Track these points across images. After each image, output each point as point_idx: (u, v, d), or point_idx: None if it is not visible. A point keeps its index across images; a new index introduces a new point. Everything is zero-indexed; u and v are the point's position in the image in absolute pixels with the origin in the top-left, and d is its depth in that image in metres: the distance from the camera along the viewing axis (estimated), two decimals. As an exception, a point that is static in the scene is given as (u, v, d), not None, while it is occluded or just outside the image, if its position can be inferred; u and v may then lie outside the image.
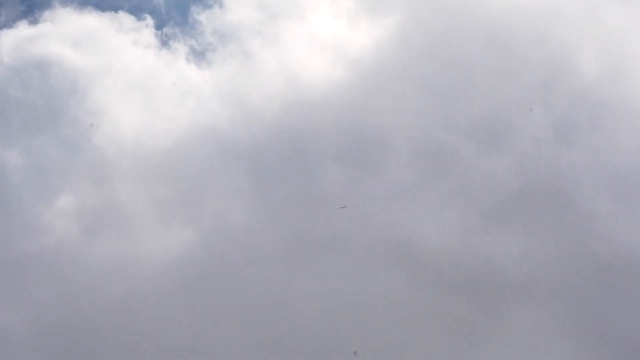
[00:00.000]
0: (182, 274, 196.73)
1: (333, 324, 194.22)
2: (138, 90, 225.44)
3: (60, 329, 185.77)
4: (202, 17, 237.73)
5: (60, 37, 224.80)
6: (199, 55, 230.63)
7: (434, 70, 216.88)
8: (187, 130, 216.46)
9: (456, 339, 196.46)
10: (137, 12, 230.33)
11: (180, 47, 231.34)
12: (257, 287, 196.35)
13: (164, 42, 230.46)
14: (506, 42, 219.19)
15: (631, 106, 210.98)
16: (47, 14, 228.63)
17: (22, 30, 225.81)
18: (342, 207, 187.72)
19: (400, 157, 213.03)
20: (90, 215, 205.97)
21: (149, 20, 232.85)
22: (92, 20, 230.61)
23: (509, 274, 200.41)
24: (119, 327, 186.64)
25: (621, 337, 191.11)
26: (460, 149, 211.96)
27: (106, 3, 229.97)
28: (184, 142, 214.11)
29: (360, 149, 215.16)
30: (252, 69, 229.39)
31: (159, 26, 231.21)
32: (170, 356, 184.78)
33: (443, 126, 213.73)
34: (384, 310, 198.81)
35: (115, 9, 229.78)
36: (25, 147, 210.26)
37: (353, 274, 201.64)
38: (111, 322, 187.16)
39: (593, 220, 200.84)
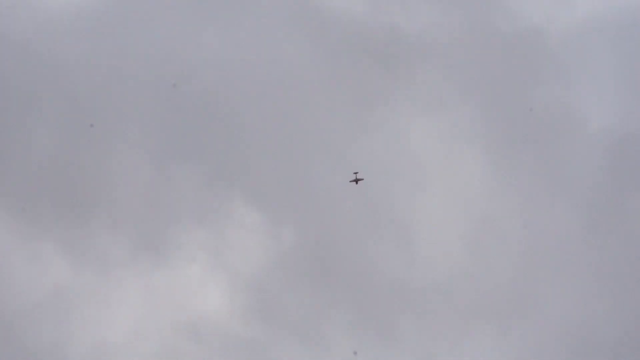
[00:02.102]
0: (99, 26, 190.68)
1: (238, 80, 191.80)
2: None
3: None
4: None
5: None
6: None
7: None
8: None
9: (358, 100, 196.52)
10: None
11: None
12: (165, 36, 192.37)
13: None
14: None
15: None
16: None
17: None
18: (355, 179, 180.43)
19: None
20: None
21: None
22: None
23: (414, 41, 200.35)
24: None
25: (513, 108, 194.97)
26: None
27: None
28: None
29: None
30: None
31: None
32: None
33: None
34: (288, 72, 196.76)
35: None
36: None
37: (259, 33, 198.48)
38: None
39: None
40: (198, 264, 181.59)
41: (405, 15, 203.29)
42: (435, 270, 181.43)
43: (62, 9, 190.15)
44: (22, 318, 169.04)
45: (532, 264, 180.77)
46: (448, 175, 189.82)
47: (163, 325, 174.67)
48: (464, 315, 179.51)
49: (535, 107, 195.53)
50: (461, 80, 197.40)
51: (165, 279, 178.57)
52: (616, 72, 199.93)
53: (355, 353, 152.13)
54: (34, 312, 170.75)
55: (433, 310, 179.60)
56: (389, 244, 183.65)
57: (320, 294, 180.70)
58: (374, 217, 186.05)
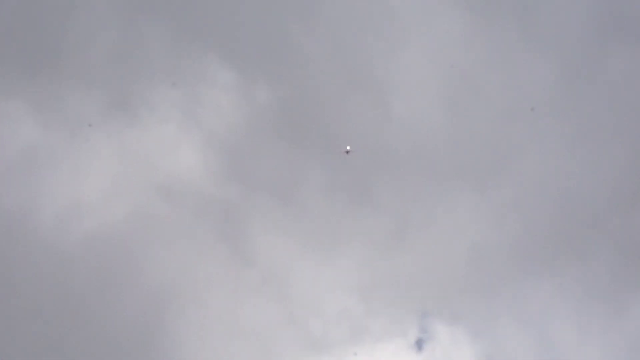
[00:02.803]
0: None
1: None
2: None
3: None
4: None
5: None
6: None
7: None
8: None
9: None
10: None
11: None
12: None
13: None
14: None
15: None
16: None
17: None
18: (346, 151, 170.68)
19: None
20: None
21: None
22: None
23: None
24: None
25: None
26: None
27: None
28: None
29: None
30: None
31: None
32: None
33: None
34: None
35: None
36: None
37: None
38: None
39: None
40: (171, 123, 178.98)
41: None
42: (412, 131, 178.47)
43: None
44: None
45: (511, 123, 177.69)
46: (427, 33, 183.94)
47: (136, 186, 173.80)
48: (440, 177, 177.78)
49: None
50: None
51: (138, 139, 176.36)
52: None
53: (355, 354, 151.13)
54: (4, 173, 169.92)
55: (409, 172, 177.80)
56: (366, 105, 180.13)
57: (295, 155, 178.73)
58: (351, 77, 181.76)
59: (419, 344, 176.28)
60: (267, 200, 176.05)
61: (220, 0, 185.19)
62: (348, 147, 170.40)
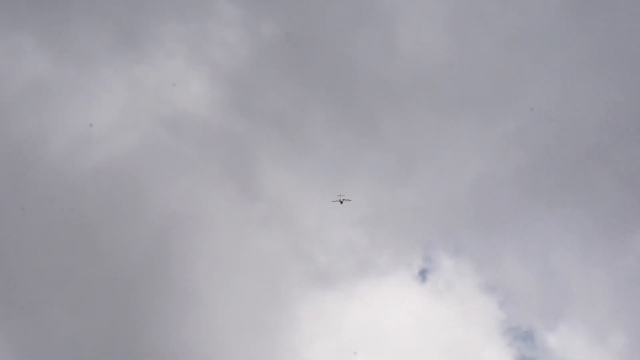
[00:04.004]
0: None
1: None
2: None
3: None
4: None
5: None
6: None
7: None
8: None
9: None
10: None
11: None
12: None
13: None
14: None
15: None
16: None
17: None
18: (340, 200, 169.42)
19: None
20: None
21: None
22: None
23: None
24: None
25: None
26: None
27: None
28: None
29: None
30: None
31: None
32: None
33: None
34: None
35: None
36: None
37: None
38: None
39: None
40: (178, 58, 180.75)
41: None
42: (417, 64, 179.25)
43: None
44: (3, 110, 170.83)
45: (515, 54, 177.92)
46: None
47: (144, 118, 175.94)
48: (445, 110, 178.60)
49: None
50: None
51: (146, 73, 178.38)
52: None
53: (355, 353, 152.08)
54: (15, 105, 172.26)
55: (414, 106, 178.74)
56: (371, 39, 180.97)
57: (301, 89, 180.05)
58: (356, 11, 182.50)
59: (423, 275, 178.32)
60: (273, 134, 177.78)
61: None
62: (342, 197, 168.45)
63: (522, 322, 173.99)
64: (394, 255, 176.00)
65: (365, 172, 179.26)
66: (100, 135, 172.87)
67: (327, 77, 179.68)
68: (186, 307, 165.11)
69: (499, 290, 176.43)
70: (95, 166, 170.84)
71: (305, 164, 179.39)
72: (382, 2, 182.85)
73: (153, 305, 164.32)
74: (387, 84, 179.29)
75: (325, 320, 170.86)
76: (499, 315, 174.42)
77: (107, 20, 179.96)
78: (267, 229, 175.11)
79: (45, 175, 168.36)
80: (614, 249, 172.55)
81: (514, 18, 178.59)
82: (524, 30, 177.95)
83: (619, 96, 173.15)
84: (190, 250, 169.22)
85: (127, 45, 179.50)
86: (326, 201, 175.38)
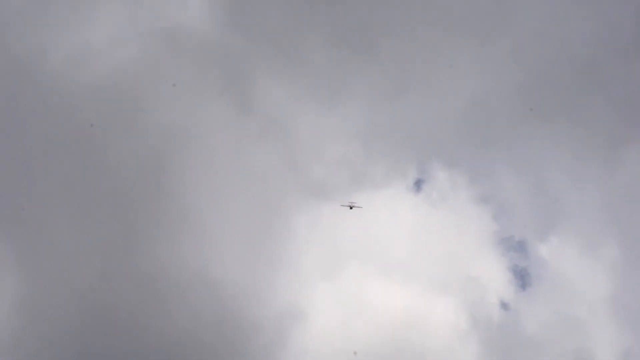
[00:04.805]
0: None
1: None
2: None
3: None
4: None
5: None
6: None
7: None
8: None
9: None
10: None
11: None
12: None
13: None
14: None
15: None
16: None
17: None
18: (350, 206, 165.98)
19: None
20: None
21: None
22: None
23: None
24: None
25: None
26: None
27: None
28: None
29: None
30: None
31: None
32: None
33: None
34: None
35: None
36: None
37: None
38: None
39: None
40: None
41: None
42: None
43: None
44: (3, 25, 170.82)
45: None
46: None
47: (142, 32, 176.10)
48: (442, 28, 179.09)
49: None
50: None
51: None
52: None
53: (355, 353, 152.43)
54: (14, 19, 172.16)
55: (412, 24, 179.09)
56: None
57: (299, 5, 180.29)
58: None
59: (418, 185, 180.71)
60: (270, 49, 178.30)
61: None
62: (353, 203, 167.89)
63: (514, 233, 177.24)
64: (389, 168, 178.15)
65: (362, 87, 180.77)
66: (98, 49, 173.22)
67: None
68: (183, 219, 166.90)
69: (493, 202, 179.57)
70: (94, 79, 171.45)
71: (301, 79, 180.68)
72: None
73: (150, 218, 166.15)
74: (384, 0, 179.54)
75: (320, 231, 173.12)
76: (492, 227, 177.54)
77: None
78: (263, 143, 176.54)
79: (44, 89, 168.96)
80: (606, 163, 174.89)
81: None
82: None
83: (613, 14, 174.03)
84: (187, 163, 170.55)
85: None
86: (322, 116, 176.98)
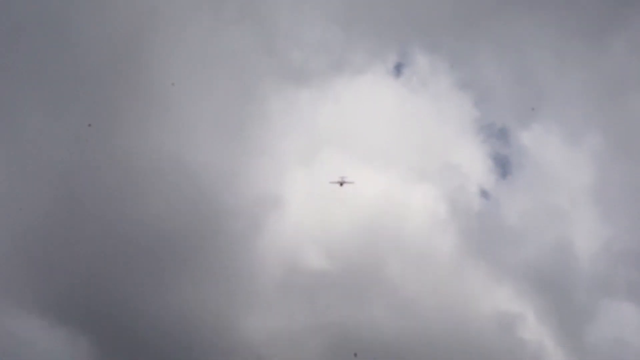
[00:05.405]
0: None
1: None
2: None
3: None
4: None
5: None
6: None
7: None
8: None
9: None
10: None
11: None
12: None
13: None
14: None
15: None
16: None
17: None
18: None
19: None
20: None
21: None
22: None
23: None
24: None
25: None
26: None
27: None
28: None
29: None
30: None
31: None
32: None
33: None
34: None
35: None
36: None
37: None
38: None
39: None
40: None
41: None
42: None
43: None
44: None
45: None
46: None
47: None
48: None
49: None
50: None
51: None
52: None
53: (355, 355, 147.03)
54: None
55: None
56: None
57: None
58: None
59: (398, 69, 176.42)
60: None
61: None
62: (344, 178, 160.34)
63: (496, 120, 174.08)
64: (369, 52, 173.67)
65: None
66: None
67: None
68: (157, 104, 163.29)
69: (474, 88, 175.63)
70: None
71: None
72: None
73: (123, 101, 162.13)
74: None
75: (298, 117, 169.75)
76: (473, 113, 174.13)
77: None
78: (240, 25, 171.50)
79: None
80: (592, 49, 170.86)
81: None
82: None
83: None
84: (163, 46, 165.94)
85: None
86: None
